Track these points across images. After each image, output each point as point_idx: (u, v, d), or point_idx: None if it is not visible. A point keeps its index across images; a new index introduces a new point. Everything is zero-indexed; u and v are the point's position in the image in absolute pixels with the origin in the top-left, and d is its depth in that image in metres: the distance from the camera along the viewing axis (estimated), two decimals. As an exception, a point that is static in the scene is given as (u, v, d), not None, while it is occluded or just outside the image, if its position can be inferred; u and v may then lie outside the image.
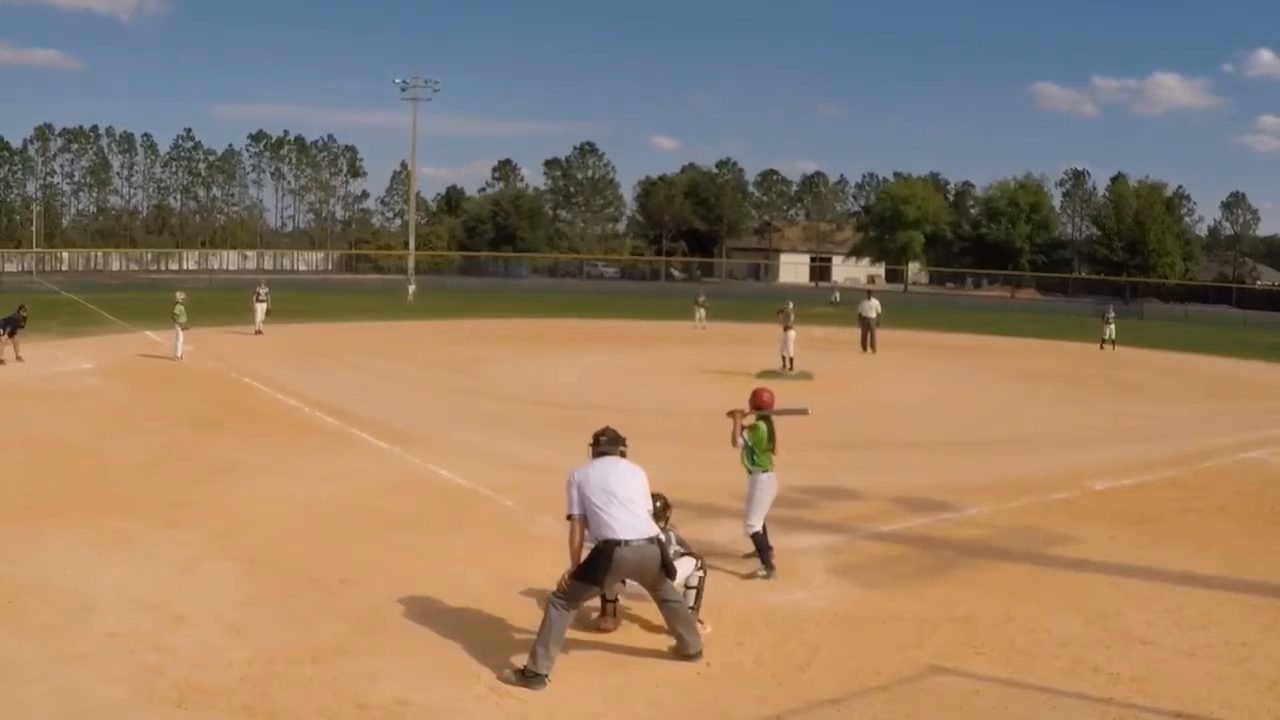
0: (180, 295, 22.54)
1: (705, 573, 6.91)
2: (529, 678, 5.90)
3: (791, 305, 23.62)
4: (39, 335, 25.64)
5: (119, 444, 12.75)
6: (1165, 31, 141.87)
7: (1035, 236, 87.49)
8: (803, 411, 8.61)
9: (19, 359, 20.32)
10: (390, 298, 47.83)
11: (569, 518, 6.24)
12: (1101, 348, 31.45)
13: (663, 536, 6.42)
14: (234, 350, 23.54)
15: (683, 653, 6.34)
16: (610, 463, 6.39)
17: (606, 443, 6.52)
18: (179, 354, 21.53)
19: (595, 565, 6.05)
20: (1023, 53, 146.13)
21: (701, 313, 35.83)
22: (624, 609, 6.95)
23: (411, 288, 48.79)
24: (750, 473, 8.10)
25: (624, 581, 6.37)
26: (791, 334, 22.45)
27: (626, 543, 6.02)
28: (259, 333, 26.90)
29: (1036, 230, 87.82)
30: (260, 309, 27.56)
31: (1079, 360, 28.26)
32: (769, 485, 8.03)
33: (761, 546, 7.98)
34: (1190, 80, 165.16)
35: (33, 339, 24.82)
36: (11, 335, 20.62)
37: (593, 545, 6.11)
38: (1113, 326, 32.18)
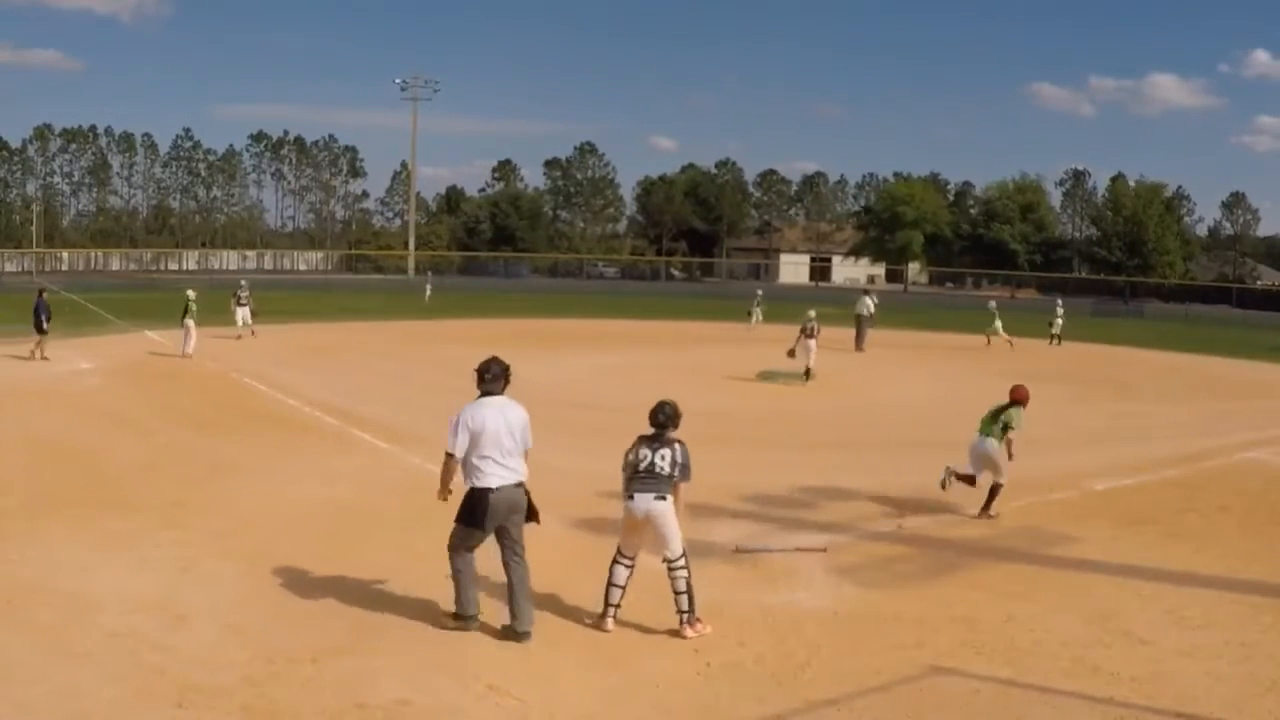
0: (191, 294, 22.69)
1: (690, 570, 6.68)
2: (462, 620, 6.61)
3: (814, 314, 23.02)
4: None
5: (119, 444, 12.75)
6: (1161, 32, 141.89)
7: (1032, 236, 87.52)
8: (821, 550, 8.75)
9: (45, 358, 20.59)
10: (396, 297, 47.82)
11: (449, 454, 6.58)
12: (1050, 344, 31.04)
13: (676, 451, 6.62)
14: (230, 352, 23.52)
15: (510, 628, 6.56)
16: (498, 409, 6.66)
17: (491, 380, 6.74)
18: (188, 351, 21.58)
19: (474, 511, 6.55)
20: (1020, 52, 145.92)
21: (758, 313, 35.25)
22: (623, 611, 6.96)
23: (429, 288, 48.40)
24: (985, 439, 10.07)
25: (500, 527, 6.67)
26: (813, 342, 21.85)
27: (498, 489, 6.52)
28: (240, 337, 25.64)
29: (1033, 230, 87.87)
30: (241, 312, 26.32)
31: (1079, 360, 28.25)
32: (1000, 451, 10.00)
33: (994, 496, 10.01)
34: (1187, 80, 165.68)
35: (33, 339, 24.84)
36: (44, 330, 21.06)
37: (468, 490, 6.61)
38: (1060, 322, 31.80)
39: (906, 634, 6.85)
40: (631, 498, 6.70)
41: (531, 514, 6.78)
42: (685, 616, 6.68)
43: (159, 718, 5.40)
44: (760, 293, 37.53)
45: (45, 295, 21.92)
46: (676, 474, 6.63)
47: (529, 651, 6.40)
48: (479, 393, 6.72)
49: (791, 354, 21.72)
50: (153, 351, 22.68)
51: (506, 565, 6.67)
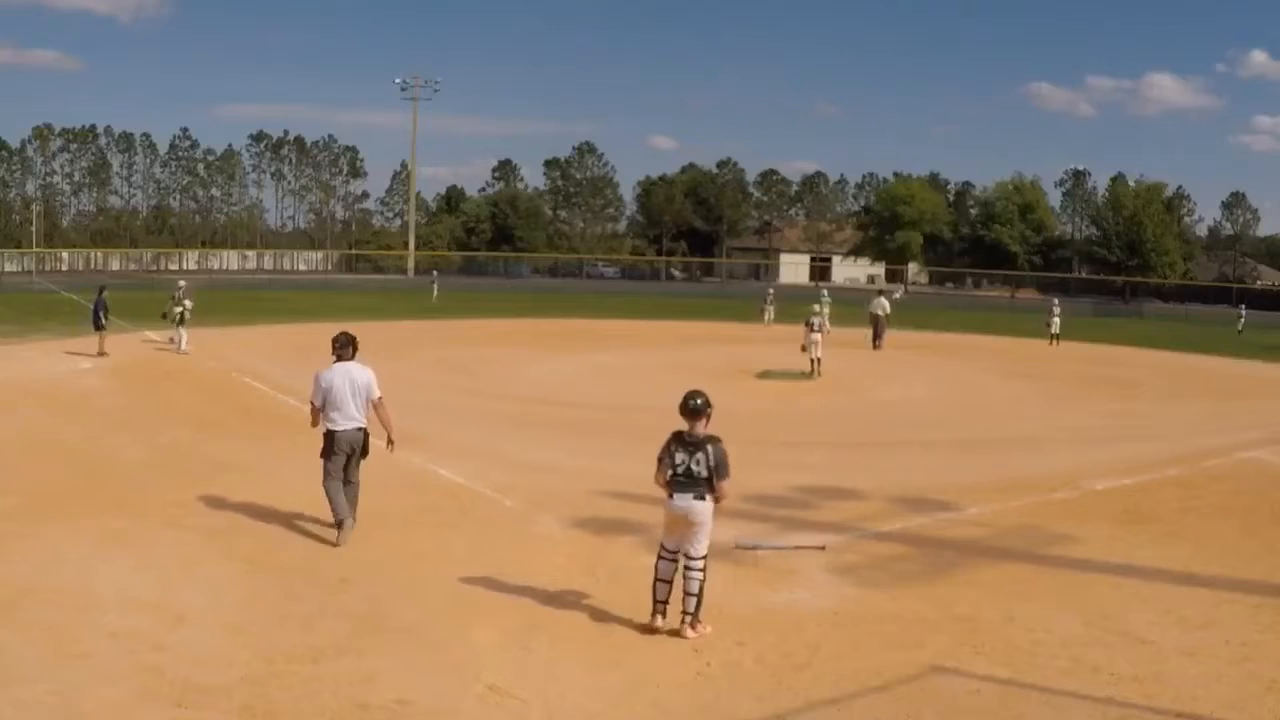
0: (182, 283, 22.84)
1: (705, 576, 6.70)
2: (338, 522, 8.56)
3: (818, 309, 23.55)
4: (39, 335, 25.66)
5: (119, 444, 12.74)
6: (1158, 32, 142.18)
7: (1031, 237, 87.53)
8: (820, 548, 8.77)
9: (104, 353, 21.06)
10: (396, 297, 47.81)
11: (312, 404, 8.66)
12: (1050, 344, 31.52)
13: (709, 454, 6.72)
14: (229, 352, 23.49)
15: (342, 524, 8.53)
16: (343, 372, 8.62)
17: (340, 348, 8.72)
18: (184, 348, 21.66)
19: (329, 447, 8.61)
20: (1018, 52, 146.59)
21: (771, 310, 35.64)
22: (623, 611, 6.96)
23: (435, 287, 48.34)
24: None
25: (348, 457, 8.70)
26: (818, 336, 22.27)
27: (342, 431, 8.59)
28: (173, 340, 22.68)
29: (1032, 231, 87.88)
30: (179, 313, 22.76)
31: (1079, 360, 28.25)
32: None
33: None
34: (1184, 80, 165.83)
35: (33, 339, 24.86)
36: (103, 327, 21.62)
37: (324, 433, 8.65)
38: (1058, 320, 32.29)
39: (906, 634, 6.85)
40: (671, 497, 6.76)
41: (365, 451, 8.80)
42: (689, 618, 6.69)
43: (159, 718, 5.39)
44: (772, 291, 38.22)
45: (106, 294, 22.38)
46: (714, 476, 6.70)
47: (529, 651, 6.40)
48: (333, 358, 8.66)
49: (804, 349, 22.27)
50: (152, 351, 22.66)
51: (345, 484, 8.69)
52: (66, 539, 8.43)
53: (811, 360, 22.26)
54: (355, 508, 8.76)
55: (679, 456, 6.71)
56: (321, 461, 8.65)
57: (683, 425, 6.79)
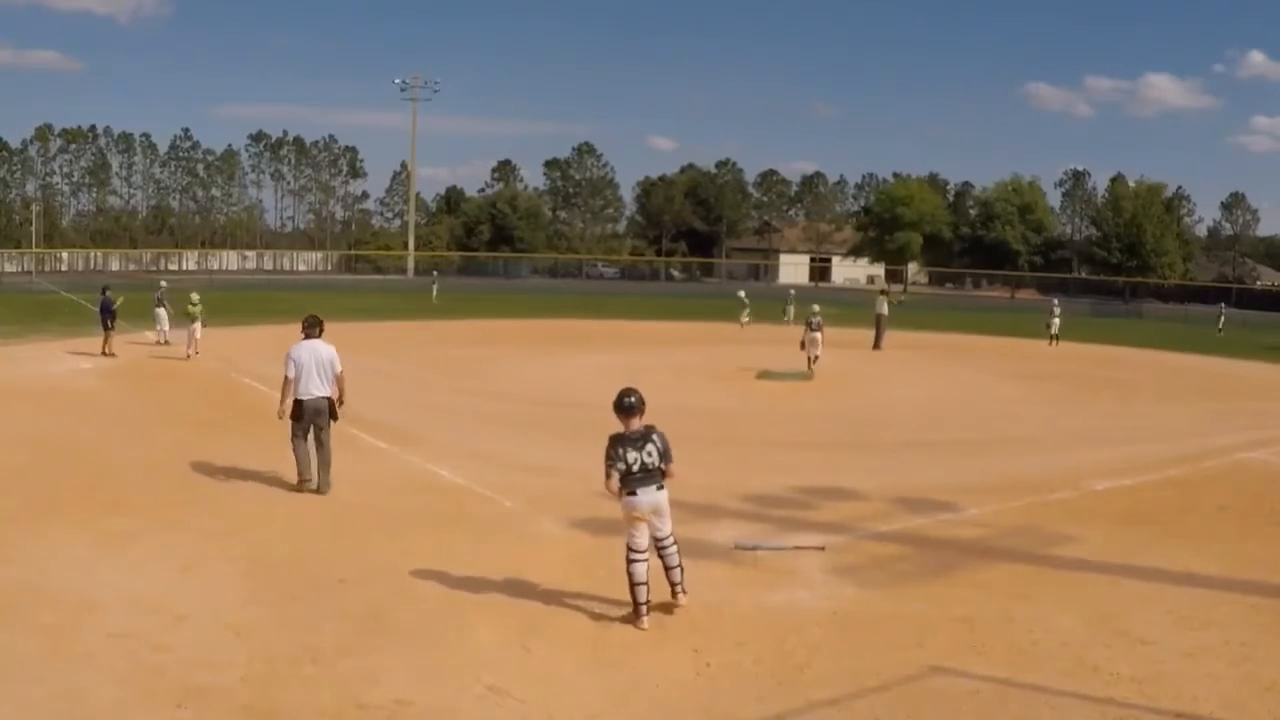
0: (195, 295, 22.40)
1: (676, 544, 7.08)
2: (303, 480, 10.13)
3: (818, 308, 24.10)
4: (39, 335, 25.68)
5: (119, 444, 12.75)
6: (1156, 33, 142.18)
7: (1031, 238, 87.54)
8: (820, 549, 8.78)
9: (112, 354, 21.18)
10: (396, 297, 47.79)
11: (285, 378, 10.08)
12: (1050, 344, 31.69)
13: (656, 441, 6.92)
14: (229, 352, 23.48)
15: (317, 489, 10.11)
16: (311, 346, 10.14)
17: (308, 327, 10.33)
18: (192, 350, 21.46)
19: (296, 412, 10.12)
20: (1017, 52, 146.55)
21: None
22: (623, 611, 6.96)
23: (435, 288, 48.23)
24: None
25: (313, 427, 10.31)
26: (819, 336, 22.76)
27: (309, 400, 10.08)
28: (167, 343, 23.34)
29: (1032, 231, 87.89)
30: (162, 314, 24.02)
31: (1078, 360, 28.26)
32: None
33: None
34: (1183, 81, 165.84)
35: (33, 339, 24.87)
36: (110, 327, 21.73)
37: (293, 401, 10.11)
38: (1058, 321, 32.48)
39: (906, 634, 6.85)
40: (634, 493, 6.85)
41: (333, 415, 10.31)
42: (677, 587, 7.09)
43: (159, 718, 5.39)
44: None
45: (109, 294, 22.42)
46: (663, 462, 6.93)
47: (529, 651, 6.41)
48: (302, 336, 10.24)
49: (803, 346, 22.88)
50: (153, 351, 22.65)
51: (317, 447, 10.21)
52: (66, 539, 8.43)
53: (809, 358, 22.65)
54: (328, 470, 10.18)
55: (630, 455, 6.84)
56: (290, 424, 10.17)
57: (618, 427, 6.97)
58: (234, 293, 45.40)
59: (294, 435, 10.18)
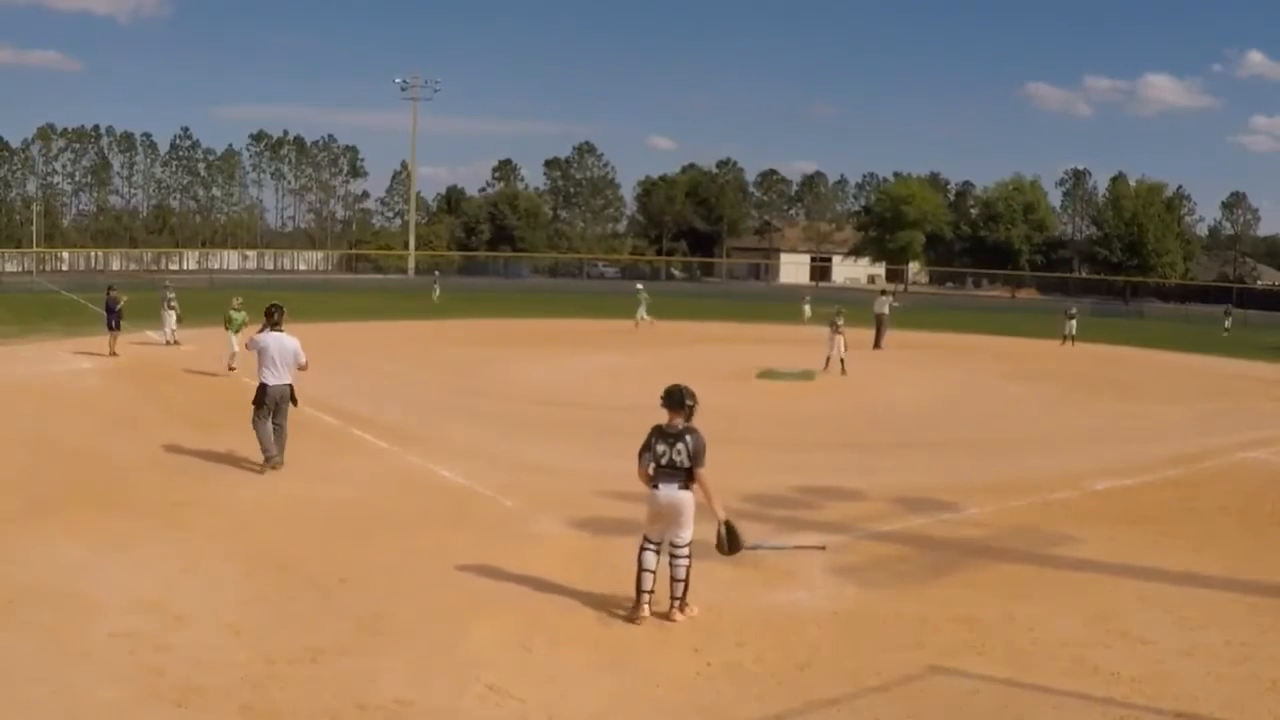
0: (237, 301, 20.52)
1: (690, 562, 6.93)
2: (267, 458, 10.92)
3: (839, 308, 24.22)
4: (40, 335, 25.68)
5: (119, 444, 12.74)
6: (1155, 33, 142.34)
7: (1032, 237, 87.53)
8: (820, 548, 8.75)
9: (115, 354, 21.18)
10: (396, 297, 47.79)
11: (256, 356, 11.09)
12: (1062, 344, 31.98)
13: (688, 443, 6.86)
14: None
15: (275, 462, 10.96)
16: (275, 339, 11.10)
17: (269, 315, 11.27)
18: (233, 365, 19.30)
19: (260, 397, 10.96)
20: (1016, 52, 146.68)
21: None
22: (617, 608, 6.96)
23: (437, 288, 48.19)
24: None
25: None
26: (840, 338, 22.65)
27: (272, 386, 10.95)
28: (168, 343, 23.45)
29: (1033, 230, 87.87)
30: (170, 316, 23.84)
31: (1079, 360, 28.26)
32: None
33: None
34: (1182, 81, 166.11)
35: (34, 339, 24.88)
36: (115, 327, 21.71)
37: (258, 385, 11.02)
38: (1074, 323, 32.89)
39: (906, 634, 6.85)
40: (656, 487, 6.91)
41: (294, 400, 11.18)
42: (678, 602, 6.94)
43: (159, 718, 5.39)
44: (640, 285, 38.82)
45: (114, 293, 22.25)
46: (693, 464, 6.87)
47: (529, 651, 6.40)
48: (267, 326, 11.19)
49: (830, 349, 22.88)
50: (153, 351, 22.65)
51: (275, 430, 11.01)
52: (66, 539, 8.43)
53: (827, 358, 22.65)
54: (284, 450, 11.11)
55: (660, 448, 6.89)
56: (252, 408, 11.00)
57: (662, 418, 6.97)
58: (234, 293, 45.34)
59: (257, 417, 10.96)
